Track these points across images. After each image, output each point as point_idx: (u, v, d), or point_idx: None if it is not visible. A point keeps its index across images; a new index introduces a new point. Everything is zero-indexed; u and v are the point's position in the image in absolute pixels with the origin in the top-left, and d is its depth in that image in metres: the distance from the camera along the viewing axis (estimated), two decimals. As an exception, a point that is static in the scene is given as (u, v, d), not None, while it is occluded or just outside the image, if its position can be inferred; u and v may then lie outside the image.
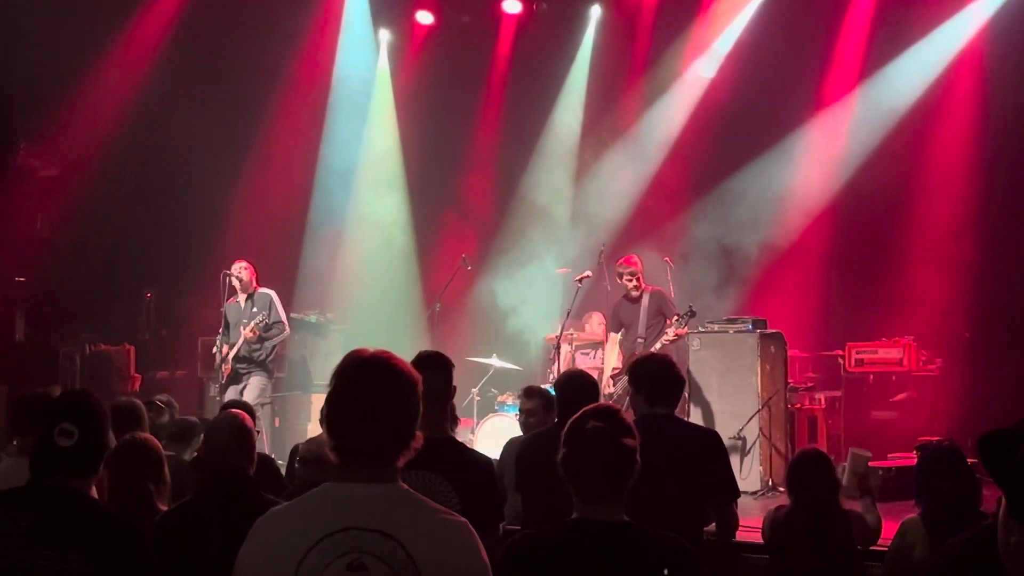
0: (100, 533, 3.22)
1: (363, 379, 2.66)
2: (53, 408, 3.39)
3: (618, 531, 2.95)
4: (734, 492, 5.11)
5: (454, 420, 5.56)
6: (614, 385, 10.09)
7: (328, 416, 2.68)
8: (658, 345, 9.68)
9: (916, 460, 5.14)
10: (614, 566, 2.92)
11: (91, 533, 3.21)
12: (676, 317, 9.79)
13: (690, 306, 9.90)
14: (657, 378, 5.09)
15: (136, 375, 12.06)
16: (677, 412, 10.82)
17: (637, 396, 5.16)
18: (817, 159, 12.68)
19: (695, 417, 10.33)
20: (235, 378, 10.33)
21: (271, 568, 2.60)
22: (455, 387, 4.82)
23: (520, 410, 6.69)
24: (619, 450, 2.99)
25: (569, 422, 3.09)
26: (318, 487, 2.71)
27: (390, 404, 2.64)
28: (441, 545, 2.60)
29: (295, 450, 5.86)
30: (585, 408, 3.14)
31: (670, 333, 9.80)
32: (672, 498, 4.56)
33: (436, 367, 4.13)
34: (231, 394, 10.13)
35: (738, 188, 12.58)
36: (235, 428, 4.33)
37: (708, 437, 5.23)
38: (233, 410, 4.59)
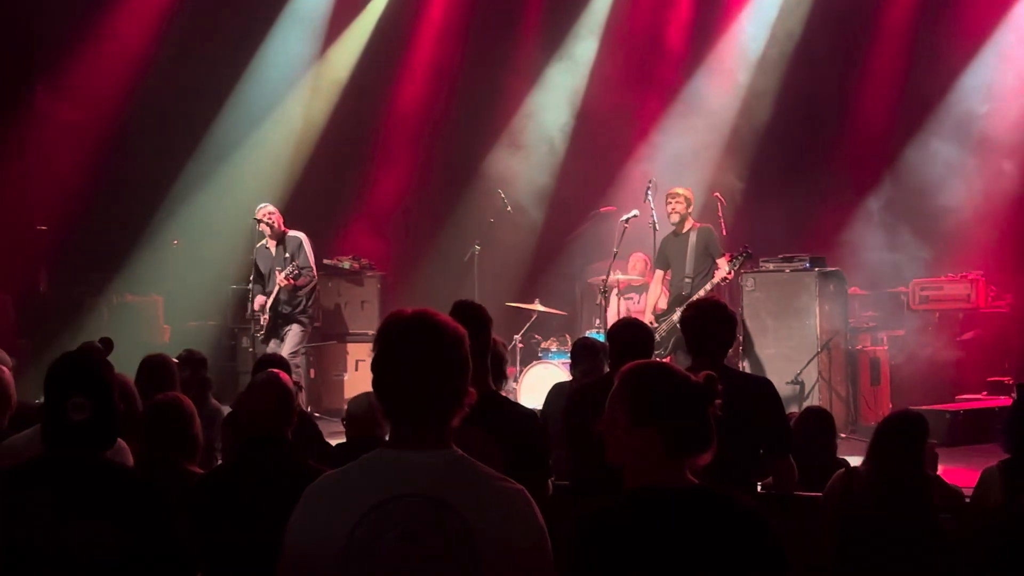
0: (124, 499, 3.19)
1: (408, 341, 2.71)
2: (63, 376, 3.29)
3: (692, 496, 2.92)
4: (789, 444, 5.13)
5: (502, 375, 5.63)
6: (658, 325, 10.13)
7: (376, 381, 2.74)
8: (708, 287, 9.71)
9: (1013, 401, 5.09)
10: (692, 536, 2.87)
11: (115, 500, 3.17)
12: (729, 257, 9.79)
13: (744, 247, 9.89)
14: (706, 326, 5.04)
15: (165, 326, 12.20)
16: (729, 356, 10.97)
17: (687, 343, 5.17)
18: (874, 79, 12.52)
19: (749, 362, 10.37)
20: (274, 329, 10.37)
21: (323, 538, 2.65)
22: (495, 340, 4.90)
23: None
24: None
25: None
26: (370, 452, 2.76)
27: (438, 363, 2.70)
28: (498, 514, 2.65)
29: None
30: None
31: (720, 274, 9.80)
32: (725, 451, 4.60)
33: (472, 321, 4.19)
34: (272, 346, 10.22)
35: (801, 116, 12.39)
36: (274, 391, 4.28)
37: (761, 386, 5.21)
38: (272, 370, 4.55)
